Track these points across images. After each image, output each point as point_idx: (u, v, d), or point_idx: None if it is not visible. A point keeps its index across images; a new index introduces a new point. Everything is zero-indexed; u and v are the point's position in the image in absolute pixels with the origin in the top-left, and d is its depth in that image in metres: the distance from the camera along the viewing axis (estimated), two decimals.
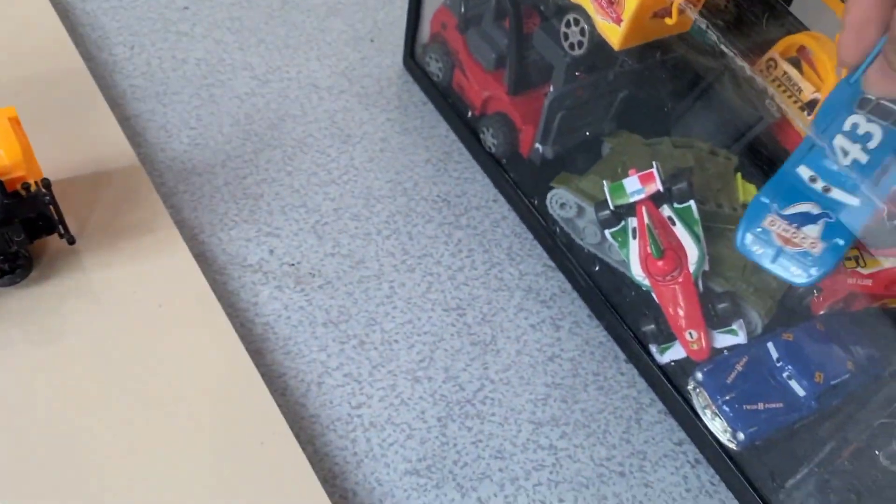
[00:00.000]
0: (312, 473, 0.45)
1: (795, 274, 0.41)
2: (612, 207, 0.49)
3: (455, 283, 0.56)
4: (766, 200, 0.41)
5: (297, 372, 0.50)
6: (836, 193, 0.39)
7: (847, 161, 0.37)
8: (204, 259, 0.54)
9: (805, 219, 0.40)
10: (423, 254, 0.57)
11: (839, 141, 0.37)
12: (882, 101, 0.36)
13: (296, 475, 0.45)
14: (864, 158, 0.37)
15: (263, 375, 0.48)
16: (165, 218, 0.54)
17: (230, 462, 0.45)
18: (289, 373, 0.50)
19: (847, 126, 0.37)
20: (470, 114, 0.62)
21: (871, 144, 0.37)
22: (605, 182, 0.49)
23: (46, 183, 0.47)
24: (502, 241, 0.58)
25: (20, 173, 0.46)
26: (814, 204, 0.39)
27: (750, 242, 0.41)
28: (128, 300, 0.50)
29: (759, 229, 0.41)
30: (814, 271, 0.40)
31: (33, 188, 0.47)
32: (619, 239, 0.51)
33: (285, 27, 0.69)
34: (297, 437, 0.47)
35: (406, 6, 0.63)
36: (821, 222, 0.39)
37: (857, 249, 0.45)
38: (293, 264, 0.55)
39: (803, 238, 0.40)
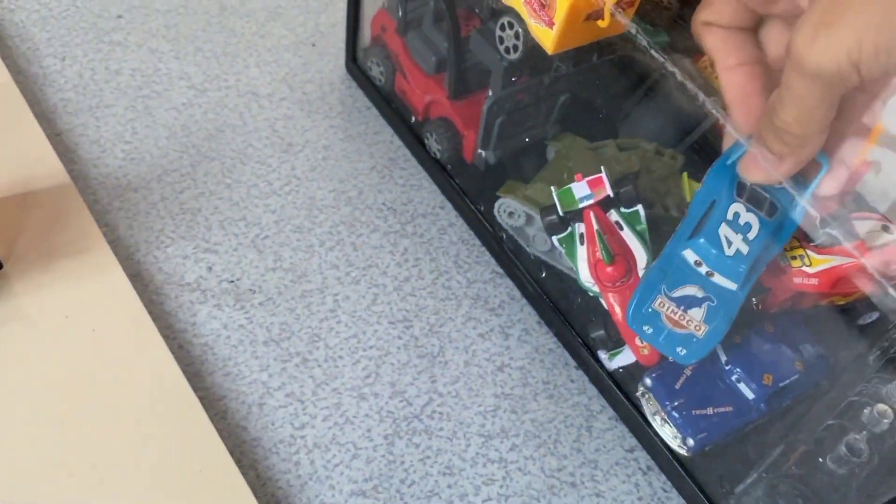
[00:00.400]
0: (254, 500, 0.43)
1: (681, 354, 0.42)
2: (560, 214, 0.48)
3: (401, 293, 0.54)
4: (656, 280, 0.42)
5: (238, 394, 0.48)
6: (718, 279, 0.40)
7: (731, 251, 0.39)
8: (140, 279, 0.52)
9: (691, 302, 0.41)
10: (369, 265, 0.55)
11: (724, 230, 0.39)
12: (755, 187, 0.37)
13: (237, 503, 0.43)
14: (745, 249, 0.39)
15: (202, 399, 0.47)
16: (99, 238, 0.52)
17: (168, 491, 0.43)
18: (229, 395, 0.48)
19: (730, 215, 0.38)
20: (413, 119, 0.60)
21: (751, 235, 0.38)
22: (552, 188, 0.48)
23: None
24: (449, 249, 0.57)
25: None
26: (698, 287, 0.41)
27: (640, 321, 0.42)
28: (60, 325, 0.49)
29: (650, 310, 0.42)
30: (696, 353, 0.42)
31: None
32: (566, 245, 0.50)
33: (223, 34, 0.67)
34: (239, 462, 0.45)
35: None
36: (704, 306, 0.41)
37: (803, 248, 0.44)
38: (232, 281, 0.53)
39: (689, 321, 0.41)
